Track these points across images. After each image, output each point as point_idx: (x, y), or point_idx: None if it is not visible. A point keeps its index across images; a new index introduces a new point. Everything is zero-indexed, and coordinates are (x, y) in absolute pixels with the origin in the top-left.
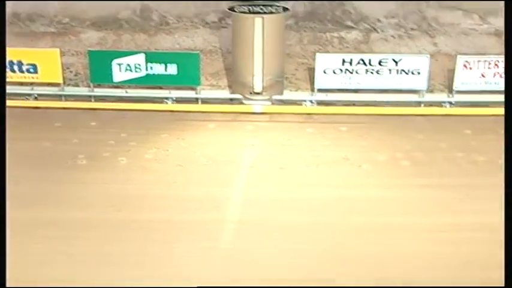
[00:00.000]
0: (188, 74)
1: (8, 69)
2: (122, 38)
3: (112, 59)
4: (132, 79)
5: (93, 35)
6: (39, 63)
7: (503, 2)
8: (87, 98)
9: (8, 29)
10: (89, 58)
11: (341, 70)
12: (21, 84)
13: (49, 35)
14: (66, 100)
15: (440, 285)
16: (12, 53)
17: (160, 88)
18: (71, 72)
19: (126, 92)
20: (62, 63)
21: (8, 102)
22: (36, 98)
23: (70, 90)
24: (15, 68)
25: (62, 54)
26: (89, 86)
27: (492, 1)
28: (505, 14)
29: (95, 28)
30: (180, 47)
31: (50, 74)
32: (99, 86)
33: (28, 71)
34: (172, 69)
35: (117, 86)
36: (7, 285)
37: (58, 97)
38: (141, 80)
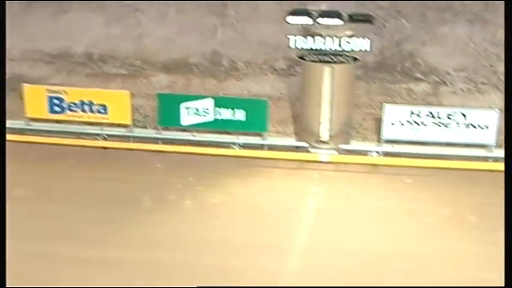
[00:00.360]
0: (256, 120)
1: (78, 109)
2: (192, 83)
3: (180, 103)
4: (200, 123)
5: (164, 78)
6: (109, 104)
7: None
8: (155, 140)
9: (81, 69)
10: (157, 101)
11: (409, 122)
12: (91, 124)
13: (120, 77)
14: (134, 141)
15: (440, 285)
16: (83, 94)
17: (228, 133)
18: (139, 114)
19: (194, 136)
20: (132, 105)
21: (78, 141)
22: (105, 138)
23: (138, 131)
24: (86, 108)
25: (132, 96)
26: (157, 129)
27: (493, 1)
28: (505, 14)
29: (166, 71)
30: (248, 93)
31: (119, 115)
32: (166, 128)
33: (98, 111)
34: (240, 114)
35: (185, 129)
36: (7, 286)
37: (126, 138)
38: (208, 125)
